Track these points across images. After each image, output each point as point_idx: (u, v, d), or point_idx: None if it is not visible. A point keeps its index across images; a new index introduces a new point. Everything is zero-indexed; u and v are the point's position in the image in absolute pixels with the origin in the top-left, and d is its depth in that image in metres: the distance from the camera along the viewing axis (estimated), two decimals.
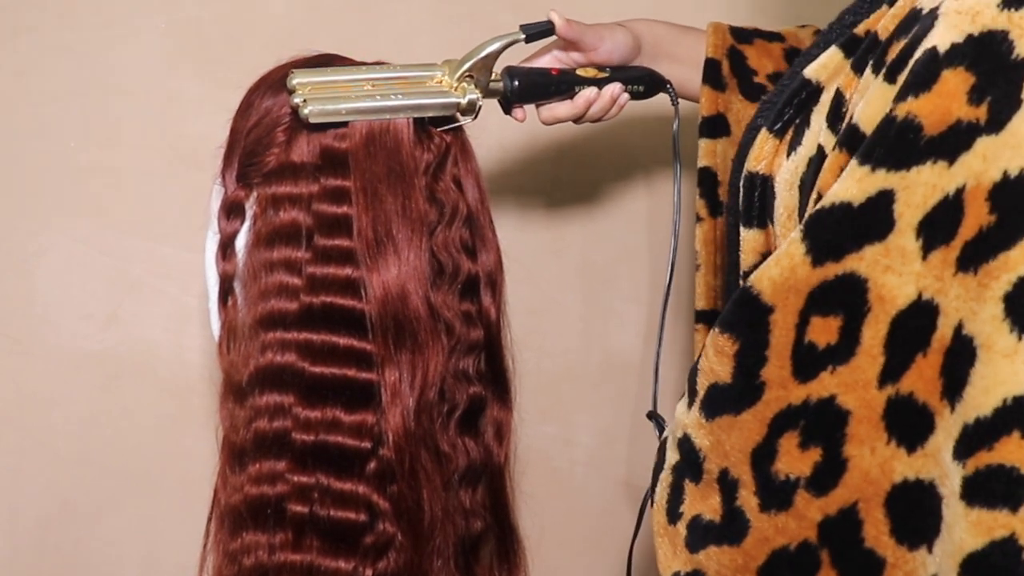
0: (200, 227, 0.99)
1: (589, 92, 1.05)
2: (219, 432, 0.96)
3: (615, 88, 1.06)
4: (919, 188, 0.69)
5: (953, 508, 0.70)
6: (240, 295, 0.94)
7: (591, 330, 1.46)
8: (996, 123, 0.68)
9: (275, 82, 0.95)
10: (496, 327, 0.98)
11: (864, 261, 0.71)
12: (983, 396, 0.68)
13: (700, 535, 0.79)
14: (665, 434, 0.85)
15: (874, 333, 0.71)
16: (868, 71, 0.75)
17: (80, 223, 1.28)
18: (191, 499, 1.22)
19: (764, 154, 0.84)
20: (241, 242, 0.95)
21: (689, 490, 0.80)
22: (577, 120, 1.06)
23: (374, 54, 1.01)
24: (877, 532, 0.73)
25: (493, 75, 1.00)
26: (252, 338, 0.92)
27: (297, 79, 0.91)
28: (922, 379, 0.70)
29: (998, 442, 0.68)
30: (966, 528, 0.69)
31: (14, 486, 1.30)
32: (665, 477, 0.82)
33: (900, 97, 0.69)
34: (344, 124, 0.92)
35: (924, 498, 0.71)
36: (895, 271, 0.70)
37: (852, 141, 0.74)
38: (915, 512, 0.72)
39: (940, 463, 0.70)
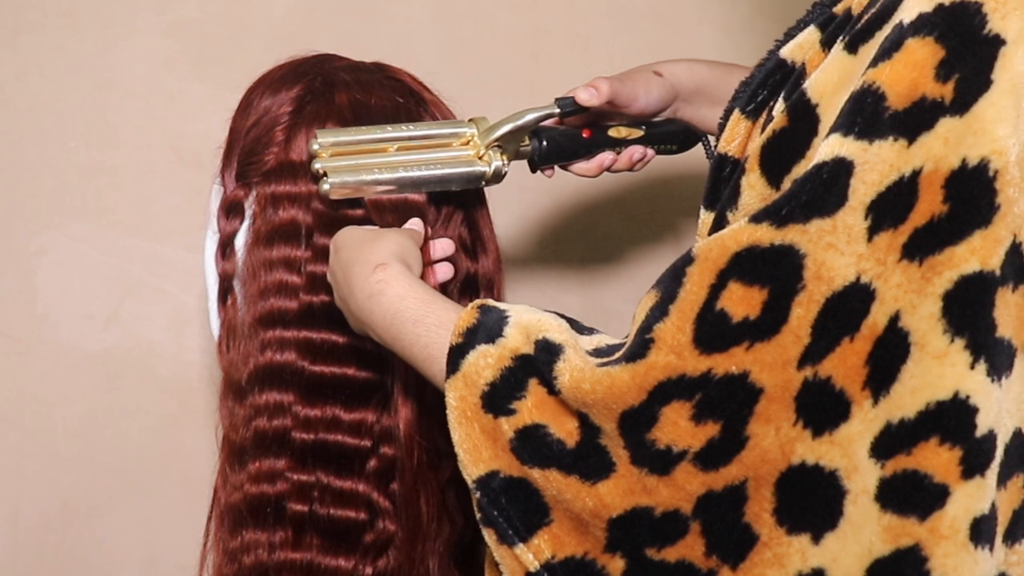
0: (200, 227, 0.99)
1: (604, 156, 1.00)
2: (219, 431, 0.96)
3: (636, 151, 1.01)
4: (877, 166, 0.65)
5: (864, 508, 0.67)
6: (240, 294, 0.95)
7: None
8: (961, 104, 0.65)
9: (274, 82, 0.95)
10: None
11: (808, 235, 0.66)
12: (909, 397, 0.66)
13: (539, 452, 0.71)
14: (507, 310, 0.75)
15: (804, 312, 0.66)
16: (836, 45, 0.72)
17: (80, 223, 1.28)
18: (191, 499, 1.22)
19: (735, 135, 0.80)
20: (240, 241, 0.95)
21: (536, 393, 0.71)
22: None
23: (374, 54, 1.01)
24: (759, 509, 0.68)
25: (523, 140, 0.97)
26: (252, 337, 0.92)
27: (320, 139, 0.89)
28: (844, 365, 0.67)
29: (916, 447, 0.66)
30: (877, 532, 0.67)
31: (14, 486, 1.30)
32: (496, 353, 0.72)
33: (866, 70, 0.67)
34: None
35: (819, 485, 0.68)
36: (838, 249, 0.66)
37: (797, 109, 0.71)
38: (806, 497, 0.68)
39: (850, 455, 0.67)
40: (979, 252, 0.65)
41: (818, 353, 0.67)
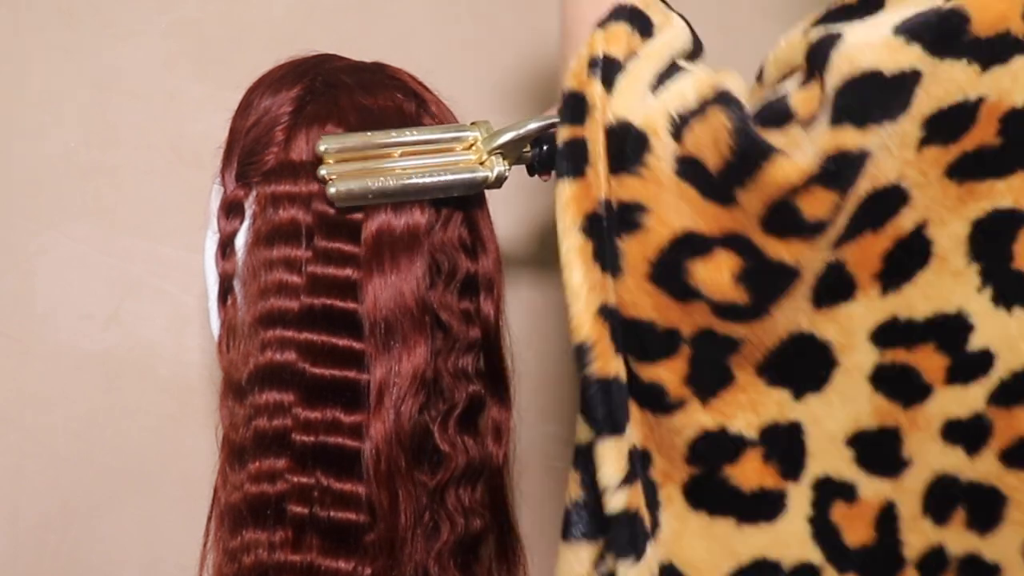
0: (200, 227, 0.99)
1: None
2: (219, 431, 0.96)
3: None
4: (944, 83, 0.67)
5: (856, 383, 0.75)
6: (240, 294, 0.94)
7: None
8: None
9: (274, 82, 0.95)
10: (494, 328, 0.97)
11: (880, 137, 0.69)
12: (922, 301, 0.72)
13: None
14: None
15: (850, 206, 0.70)
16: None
17: (80, 223, 1.28)
18: (191, 499, 1.22)
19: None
20: (241, 241, 0.95)
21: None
22: None
23: (374, 54, 1.01)
24: (744, 362, 0.73)
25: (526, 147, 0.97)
26: (252, 336, 0.92)
27: (325, 145, 0.89)
28: (861, 254, 0.71)
29: (916, 346, 0.74)
30: (867, 409, 0.75)
31: (14, 486, 1.30)
32: None
33: None
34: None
35: (810, 351, 0.74)
36: (890, 151, 0.69)
37: None
38: (794, 360, 0.74)
39: (848, 333, 0.75)
40: (1017, 191, 0.69)
41: (841, 240, 0.71)
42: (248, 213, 0.94)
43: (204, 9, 1.29)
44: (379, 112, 0.93)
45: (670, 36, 0.78)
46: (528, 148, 0.97)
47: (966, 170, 0.69)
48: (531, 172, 1.00)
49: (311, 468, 0.91)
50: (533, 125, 0.95)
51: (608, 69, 0.76)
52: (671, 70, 0.76)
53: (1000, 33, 0.67)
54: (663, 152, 0.73)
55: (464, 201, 0.96)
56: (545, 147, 0.98)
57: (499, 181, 0.94)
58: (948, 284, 0.71)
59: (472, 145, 0.94)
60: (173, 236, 1.30)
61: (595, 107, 0.75)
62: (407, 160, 0.91)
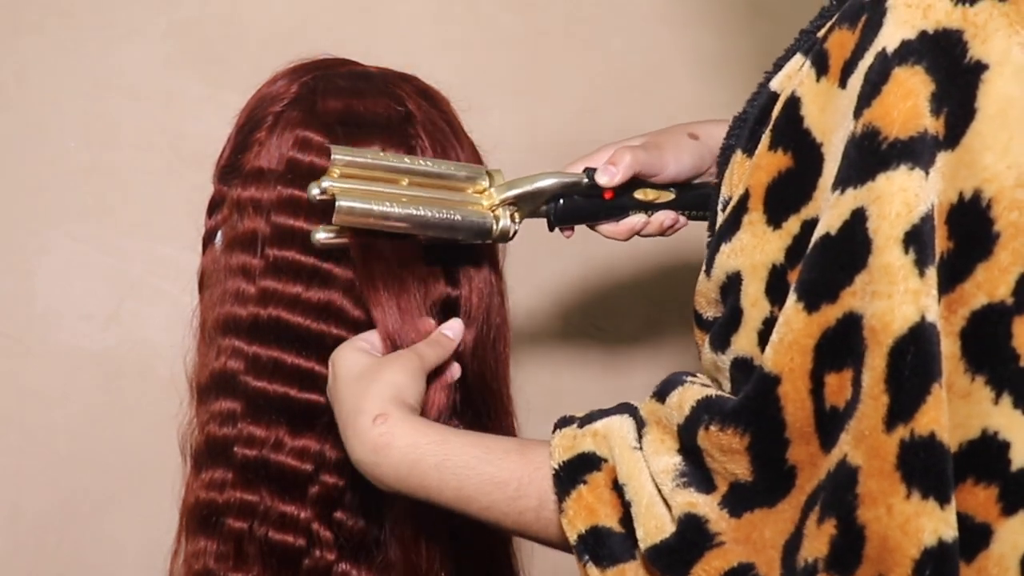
0: (200, 227, 0.99)
1: (635, 220, 0.95)
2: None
3: (667, 217, 0.96)
4: (896, 196, 0.62)
5: None
6: (207, 295, 0.94)
7: (591, 330, 1.46)
8: (952, 138, 0.62)
9: (275, 81, 0.94)
10: (473, 360, 0.92)
11: (857, 295, 0.63)
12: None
13: None
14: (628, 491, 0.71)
15: (872, 372, 0.61)
16: (807, 64, 0.69)
17: (80, 223, 1.28)
18: None
19: (743, 177, 0.76)
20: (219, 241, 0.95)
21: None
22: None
23: (374, 54, 1.00)
24: None
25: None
26: (211, 341, 0.92)
27: (335, 155, 0.84)
28: (944, 414, 0.61)
29: (957, 489, 0.64)
30: None
31: (15, 485, 1.30)
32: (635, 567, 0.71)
33: (857, 110, 0.64)
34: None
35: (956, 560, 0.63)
36: (882, 294, 0.61)
37: (803, 149, 0.68)
38: None
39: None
40: (984, 285, 0.63)
41: (906, 408, 0.61)
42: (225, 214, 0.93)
43: (204, 9, 1.29)
44: (363, 119, 0.90)
45: (622, 449, 0.75)
46: (544, 203, 0.93)
47: (940, 285, 0.62)
48: (551, 227, 0.96)
49: (255, 484, 0.90)
50: (547, 182, 0.90)
51: (601, 544, 0.73)
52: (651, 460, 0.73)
53: (921, 133, 0.62)
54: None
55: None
56: (561, 201, 0.93)
57: (503, 236, 0.89)
58: (961, 410, 0.63)
59: (484, 191, 0.90)
60: (173, 236, 1.30)
61: None
62: (414, 190, 0.87)
